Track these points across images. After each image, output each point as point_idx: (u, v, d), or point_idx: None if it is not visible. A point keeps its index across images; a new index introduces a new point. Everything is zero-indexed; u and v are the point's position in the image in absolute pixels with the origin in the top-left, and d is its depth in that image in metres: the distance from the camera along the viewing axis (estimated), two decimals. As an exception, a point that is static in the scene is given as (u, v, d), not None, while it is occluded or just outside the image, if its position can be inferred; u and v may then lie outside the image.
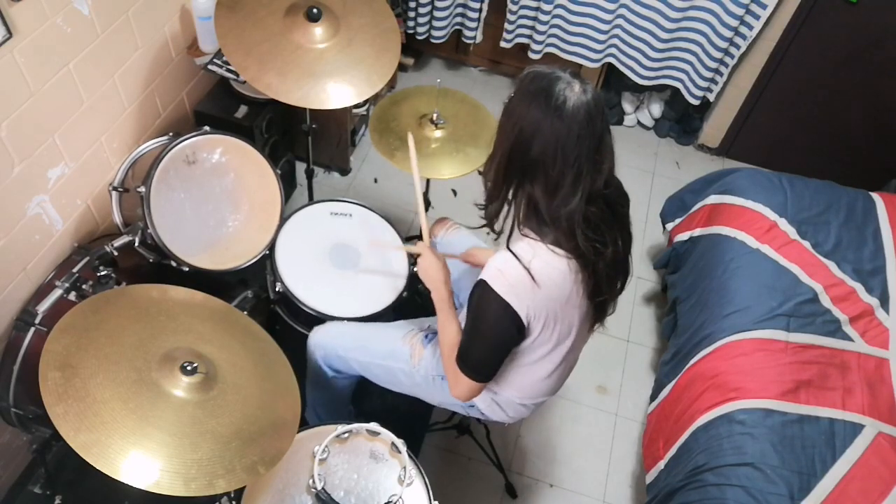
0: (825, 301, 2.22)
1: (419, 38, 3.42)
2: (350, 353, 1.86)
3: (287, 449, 1.46)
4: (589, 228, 1.37)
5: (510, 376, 1.63)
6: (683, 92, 3.29)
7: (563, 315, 1.47)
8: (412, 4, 3.27)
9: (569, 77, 1.33)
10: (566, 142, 1.30)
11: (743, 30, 2.95)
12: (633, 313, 2.87)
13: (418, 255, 1.74)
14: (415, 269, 2.11)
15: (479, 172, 1.49)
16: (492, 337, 1.47)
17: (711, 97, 3.28)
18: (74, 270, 1.81)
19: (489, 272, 1.41)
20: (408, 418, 2.22)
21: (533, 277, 1.37)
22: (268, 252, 2.10)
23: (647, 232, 3.13)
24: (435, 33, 3.37)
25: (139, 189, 1.86)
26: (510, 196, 1.42)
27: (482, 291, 1.41)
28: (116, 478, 1.22)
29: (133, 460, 1.24)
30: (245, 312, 1.75)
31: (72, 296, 1.76)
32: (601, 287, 1.46)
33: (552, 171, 1.32)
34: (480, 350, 1.49)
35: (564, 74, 1.33)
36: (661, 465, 2.07)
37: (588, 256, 1.38)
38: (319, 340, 1.89)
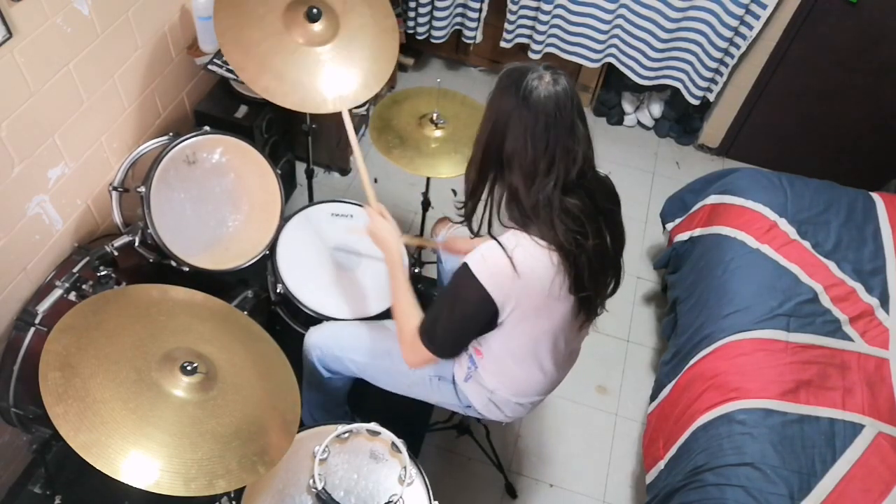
0: (825, 301, 2.22)
1: (419, 38, 3.42)
2: (346, 353, 1.86)
3: (287, 449, 1.46)
4: (568, 218, 1.38)
5: (504, 375, 1.64)
6: (683, 92, 3.29)
7: (544, 307, 1.48)
8: (412, 4, 3.27)
9: (541, 70, 1.35)
10: (534, 130, 1.33)
11: (743, 30, 2.95)
12: (633, 313, 2.87)
13: (365, 208, 1.76)
14: (415, 270, 2.12)
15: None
16: (463, 318, 1.49)
17: (711, 97, 3.28)
18: (74, 270, 1.81)
19: (473, 257, 1.43)
20: (408, 418, 2.21)
21: (514, 266, 1.38)
22: (268, 252, 2.10)
23: (647, 232, 3.13)
24: (435, 33, 3.37)
25: (139, 189, 1.86)
26: (489, 189, 1.45)
27: (463, 274, 1.44)
28: (116, 478, 1.22)
29: (133, 460, 1.24)
30: (245, 312, 1.75)
31: (72, 296, 1.77)
32: (583, 281, 1.46)
33: (524, 159, 1.36)
34: (448, 328, 1.51)
35: (538, 68, 1.36)
36: (661, 465, 2.07)
37: (569, 248, 1.40)
38: (315, 340, 1.89)
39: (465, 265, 1.44)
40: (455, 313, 1.49)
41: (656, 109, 3.54)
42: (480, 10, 3.26)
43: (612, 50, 3.26)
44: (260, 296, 2.13)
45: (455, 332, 1.53)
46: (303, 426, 1.61)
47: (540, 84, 1.33)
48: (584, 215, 1.41)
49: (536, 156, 1.35)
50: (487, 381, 1.67)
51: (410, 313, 1.59)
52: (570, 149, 1.36)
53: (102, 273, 1.83)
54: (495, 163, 1.40)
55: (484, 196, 1.47)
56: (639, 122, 3.63)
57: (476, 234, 1.50)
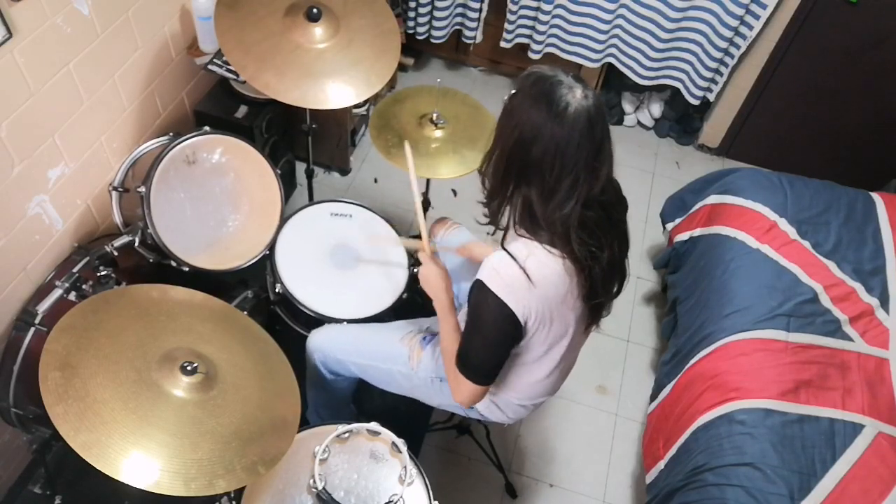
0: (825, 301, 2.22)
1: (419, 38, 3.42)
2: (348, 356, 1.86)
3: (287, 449, 1.46)
4: (584, 232, 1.36)
5: (508, 377, 1.63)
6: (683, 92, 3.29)
7: (558, 315, 1.47)
8: (412, 4, 3.27)
9: (571, 81, 1.31)
10: (566, 148, 1.29)
11: (743, 30, 2.95)
12: (633, 313, 2.87)
13: (417, 252, 1.73)
14: (415, 271, 2.11)
15: (479, 171, 1.49)
16: (490, 337, 1.46)
17: (711, 97, 3.28)
18: (74, 270, 1.81)
19: (485, 271, 1.41)
20: (408, 418, 2.22)
21: (528, 276, 1.37)
22: (268, 252, 2.10)
23: (647, 232, 3.13)
24: (435, 33, 3.37)
25: (139, 189, 1.86)
26: (509, 195, 1.41)
27: (479, 291, 1.42)
28: (116, 478, 1.22)
29: (133, 460, 1.24)
30: (245, 312, 1.75)
31: (72, 296, 1.77)
32: (597, 290, 1.46)
33: (549, 176, 1.32)
34: (479, 351, 1.49)
35: (567, 78, 1.32)
36: (661, 465, 2.07)
37: (584, 262, 1.38)
38: (317, 343, 1.89)
39: (479, 282, 1.41)
40: (481, 334, 1.46)
41: (656, 109, 3.54)
42: (480, 10, 3.26)
43: (612, 50, 3.26)
44: (260, 296, 2.13)
45: (486, 353, 1.49)
46: (304, 426, 1.61)
47: (573, 99, 1.29)
48: (598, 228, 1.39)
49: (562, 174, 1.31)
50: (492, 384, 1.66)
51: (455, 354, 1.55)
52: (596, 167, 1.33)
53: (102, 273, 1.83)
54: (516, 173, 1.36)
55: (506, 199, 1.43)
56: (639, 122, 3.63)
57: (505, 234, 1.45)
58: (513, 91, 1.37)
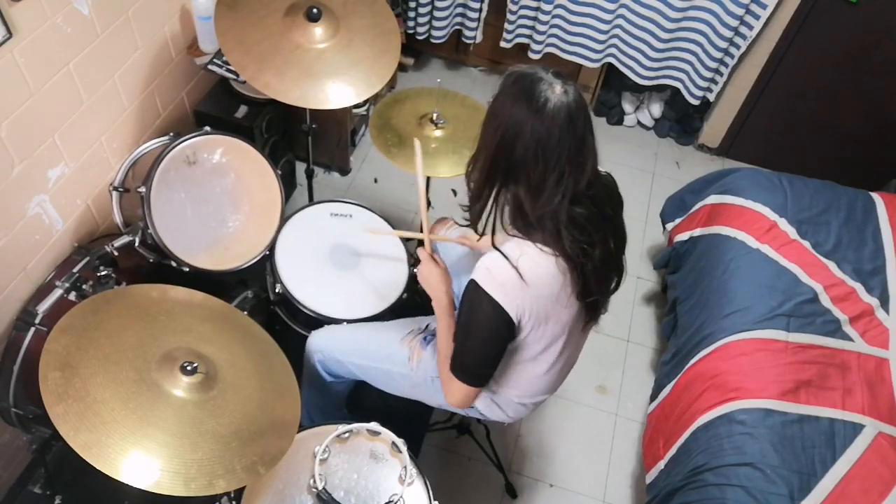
0: (825, 301, 2.22)
1: (419, 38, 3.42)
2: (348, 356, 1.86)
3: (287, 449, 1.46)
4: (575, 229, 1.37)
5: (507, 375, 1.63)
6: (683, 92, 3.29)
7: (553, 313, 1.47)
8: (412, 4, 3.27)
9: (551, 77, 1.32)
10: (547, 143, 1.30)
11: (743, 30, 2.95)
12: (633, 313, 2.87)
13: (417, 251, 1.73)
14: (415, 270, 2.11)
15: (465, 175, 1.49)
16: (483, 337, 1.47)
17: (711, 97, 3.28)
18: (74, 270, 1.81)
19: (478, 272, 1.41)
20: (408, 418, 2.21)
21: (521, 276, 1.37)
22: (268, 252, 2.10)
23: (647, 232, 3.13)
24: (435, 33, 3.37)
25: (139, 189, 1.86)
26: (494, 196, 1.42)
27: (472, 291, 1.42)
28: (116, 478, 1.22)
29: (133, 460, 1.24)
30: (245, 312, 1.75)
31: (72, 296, 1.77)
32: (590, 287, 1.46)
33: (534, 172, 1.33)
34: (473, 352, 1.49)
35: (546, 75, 1.33)
36: (661, 465, 2.07)
37: (576, 259, 1.38)
38: (317, 344, 1.89)
39: (472, 282, 1.42)
40: (474, 334, 1.46)
41: (656, 109, 3.54)
42: (480, 10, 3.26)
43: (612, 50, 3.26)
44: (260, 296, 2.13)
45: (480, 354, 1.49)
46: (302, 427, 1.61)
47: (552, 95, 1.30)
48: (590, 224, 1.39)
49: (547, 170, 1.32)
50: (491, 382, 1.66)
51: (450, 356, 1.55)
52: (580, 162, 1.34)
53: (102, 273, 1.83)
54: (502, 172, 1.37)
55: (489, 201, 1.44)
56: (639, 122, 3.63)
57: (481, 236, 1.47)
58: (495, 93, 1.38)
